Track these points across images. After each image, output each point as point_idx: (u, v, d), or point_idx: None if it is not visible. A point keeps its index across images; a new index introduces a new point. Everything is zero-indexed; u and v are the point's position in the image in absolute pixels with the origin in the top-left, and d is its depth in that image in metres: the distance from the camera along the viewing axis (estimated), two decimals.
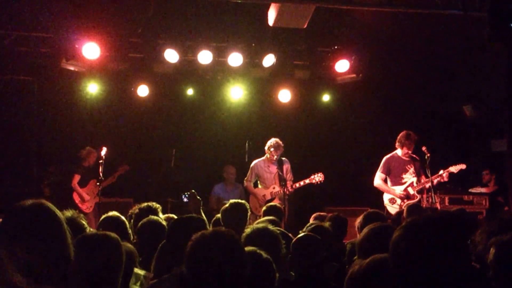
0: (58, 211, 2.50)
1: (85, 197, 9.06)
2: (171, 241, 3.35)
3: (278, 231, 3.67)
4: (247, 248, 2.65)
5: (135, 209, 5.14)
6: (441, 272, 1.85)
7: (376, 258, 2.35)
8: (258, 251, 2.83)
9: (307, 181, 8.61)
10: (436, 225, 1.94)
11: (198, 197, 5.53)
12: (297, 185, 8.61)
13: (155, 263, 3.50)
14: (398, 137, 8.26)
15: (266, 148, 8.74)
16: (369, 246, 2.95)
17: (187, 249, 2.36)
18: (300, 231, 4.50)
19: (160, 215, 5.05)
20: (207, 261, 2.30)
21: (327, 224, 4.99)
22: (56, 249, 2.37)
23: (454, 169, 8.07)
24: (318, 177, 8.57)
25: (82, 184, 9.14)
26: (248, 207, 5.20)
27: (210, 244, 2.34)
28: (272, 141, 8.68)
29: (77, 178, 9.08)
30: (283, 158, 8.77)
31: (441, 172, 8.00)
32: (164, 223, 4.40)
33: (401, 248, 1.91)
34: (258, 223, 4.63)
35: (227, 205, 5.16)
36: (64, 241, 2.42)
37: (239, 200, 5.29)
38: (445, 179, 8.03)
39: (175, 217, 5.28)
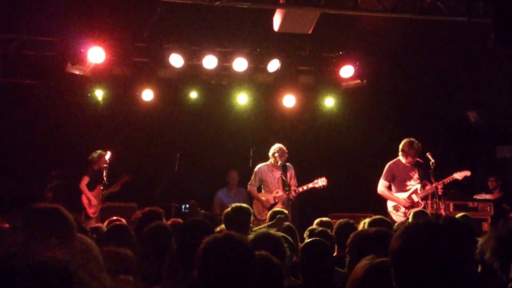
0: (71, 216, 2.50)
1: (93, 200, 8.97)
2: (181, 245, 3.32)
3: (281, 235, 3.64)
4: (257, 253, 2.64)
5: (138, 214, 5.09)
6: (442, 276, 1.85)
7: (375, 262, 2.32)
8: (269, 255, 2.80)
9: (310, 185, 8.59)
10: (435, 229, 1.94)
11: (199, 208, 5.45)
12: (300, 189, 8.59)
13: (166, 267, 3.47)
14: (401, 146, 8.01)
15: (270, 153, 8.71)
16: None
17: (199, 252, 2.35)
18: (305, 235, 4.49)
19: (164, 220, 5.02)
20: (219, 264, 2.29)
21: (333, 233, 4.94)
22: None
23: (458, 175, 7.97)
24: (321, 182, 8.55)
25: (90, 187, 9.01)
26: (251, 211, 5.17)
27: (222, 247, 2.33)
28: (277, 147, 8.64)
29: (86, 180, 8.98)
30: (288, 164, 8.73)
31: (438, 184, 7.74)
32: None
33: (399, 253, 1.91)
34: (259, 229, 4.60)
35: (229, 209, 5.12)
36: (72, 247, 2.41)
37: (242, 204, 5.24)
38: (438, 191, 7.64)
39: (181, 221, 5.28)
